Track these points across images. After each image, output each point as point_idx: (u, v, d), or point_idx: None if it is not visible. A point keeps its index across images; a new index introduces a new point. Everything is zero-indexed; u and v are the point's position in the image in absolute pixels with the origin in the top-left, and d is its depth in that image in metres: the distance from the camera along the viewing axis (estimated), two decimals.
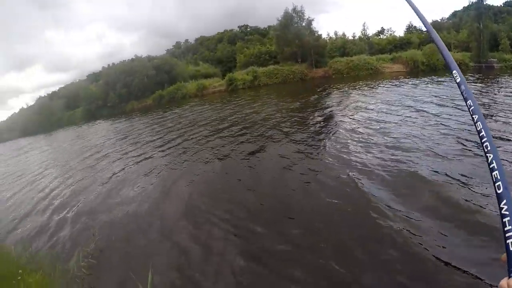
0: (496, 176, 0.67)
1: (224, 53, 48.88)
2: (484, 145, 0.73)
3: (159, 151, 10.63)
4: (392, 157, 6.47)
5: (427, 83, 18.64)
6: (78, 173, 10.19)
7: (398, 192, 5.06)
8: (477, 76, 22.05)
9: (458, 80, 0.86)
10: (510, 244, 0.60)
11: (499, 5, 51.48)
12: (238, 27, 57.03)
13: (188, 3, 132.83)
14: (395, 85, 19.51)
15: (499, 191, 0.65)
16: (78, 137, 20.91)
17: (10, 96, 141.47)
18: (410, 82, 20.38)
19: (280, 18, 36.93)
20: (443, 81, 18.61)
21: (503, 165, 0.70)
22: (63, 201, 7.82)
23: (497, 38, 34.54)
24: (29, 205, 8.17)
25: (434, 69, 28.60)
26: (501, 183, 0.65)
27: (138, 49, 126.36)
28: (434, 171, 5.56)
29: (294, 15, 36.32)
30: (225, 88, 35.41)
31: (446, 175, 5.34)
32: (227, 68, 44.78)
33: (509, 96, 12.15)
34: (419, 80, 21.15)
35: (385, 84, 20.57)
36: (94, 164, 10.95)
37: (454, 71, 0.88)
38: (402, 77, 24.81)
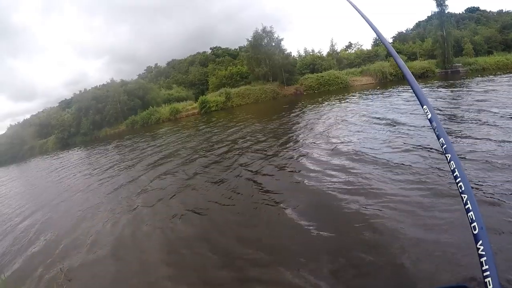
0: (471, 217, 0.67)
1: (197, 76, 48.31)
2: (458, 185, 0.70)
3: (133, 181, 9.05)
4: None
5: (397, 93, 18.45)
6: (49, 210, 8.47)
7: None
8: (444, 81, 22.06)
9: (429, 117, 0.82)
10: (488, 282, 0.63)
11: (460, 12, 54.30)
12: (210, 48, 57.06)
13: (146, 29, 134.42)
14: (365, 97, 19.19)
15: (475, 232, 0.66)
16: (49, 169, 18.93)
17: None
18: (379, 93, 20.10)
19: (250, 39, 36.98)
20: (408, 89, 18.30)
21: (478, 204, 0.67)
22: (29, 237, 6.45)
23: (461, 44, 35.74)
24: None
25: (402, 78, 28.87)
26: (477, 224, 0.66)
27: (104, 75, 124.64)
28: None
29: (263, 35, 36.44)
30: (198, 111, 34.93)
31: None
32: (199, 90, 44.10)
33: (479, 101, 11.26)
34: (388, 90, 20.94)
35: (355, 97, 20.20)
36: (61, 200, 9.26)
37: (424, 106, 0.83)
38: (371, 89, 24.62)
